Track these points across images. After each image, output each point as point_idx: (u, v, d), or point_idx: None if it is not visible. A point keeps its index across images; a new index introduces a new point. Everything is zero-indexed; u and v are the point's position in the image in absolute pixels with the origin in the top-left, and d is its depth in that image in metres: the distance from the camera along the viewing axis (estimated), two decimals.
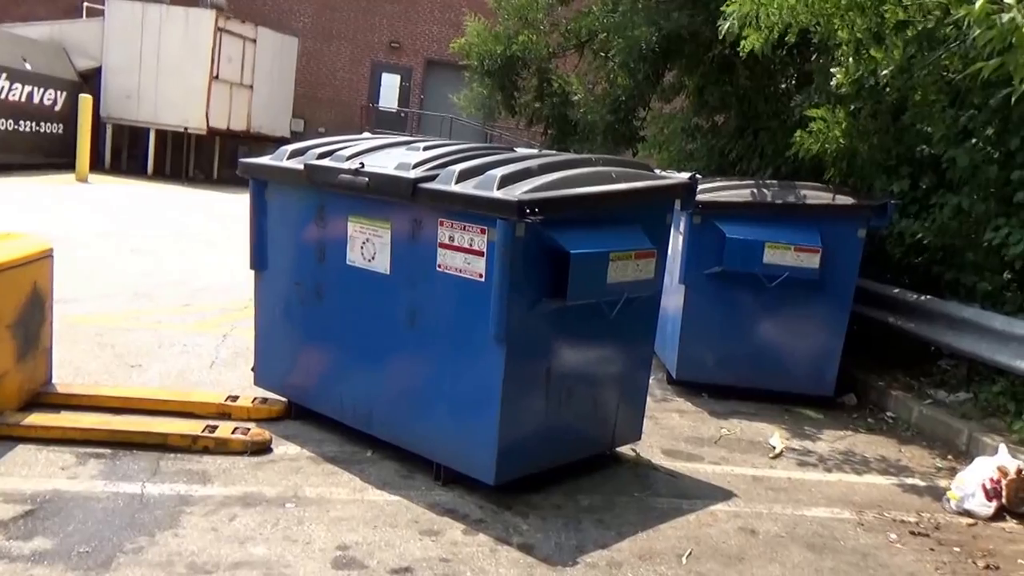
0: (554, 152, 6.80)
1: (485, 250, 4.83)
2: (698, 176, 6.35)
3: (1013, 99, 5.67)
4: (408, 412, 5.41)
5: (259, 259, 6.08)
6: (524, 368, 5.04)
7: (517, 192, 4.78)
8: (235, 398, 6.12)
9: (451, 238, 4.98)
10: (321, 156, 5.72)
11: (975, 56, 6.70)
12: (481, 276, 4.87)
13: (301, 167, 5.67)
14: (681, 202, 6.12)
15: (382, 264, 5.39)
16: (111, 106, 24.09)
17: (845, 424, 7.68)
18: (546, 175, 5.06)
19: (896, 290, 8.71)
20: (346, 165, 5.44)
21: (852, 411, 8.14)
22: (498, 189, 4.81)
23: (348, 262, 5.56)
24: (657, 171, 7.01)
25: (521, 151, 6.06)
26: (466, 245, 4.92)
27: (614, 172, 5.49)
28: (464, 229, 4.92)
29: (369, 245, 5.44)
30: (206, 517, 4.54)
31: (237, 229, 10.26)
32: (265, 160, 6.11)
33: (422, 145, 5.70)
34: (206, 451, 5.38)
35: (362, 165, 5.37)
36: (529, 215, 4.65)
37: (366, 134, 8.34)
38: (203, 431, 5.47)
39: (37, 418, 5.43)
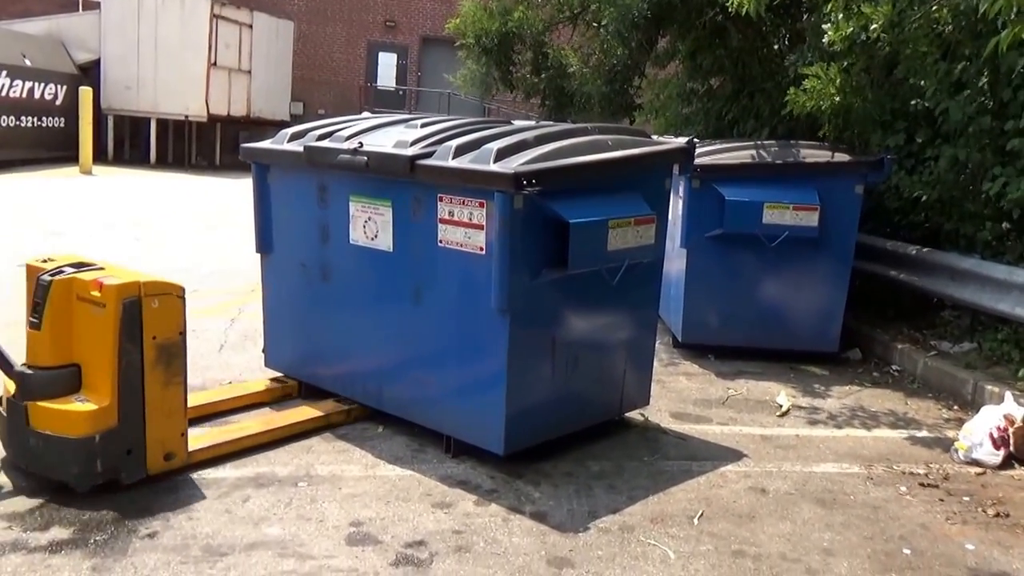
0: (549, 123, 6.74)
1: (485, 223, 4.79)
2: (695, 140, 6.28)
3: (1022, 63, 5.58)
4: (417, 387, 5.39)
5: (264, 242, 6.06)
6: (529, 338, 5.01)
7: (514, 164, 4.73)
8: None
9: (451, 213, 4.95)
10: (320, 137, 5.68)
11: (965, 8, 6.63)
12: (482, 249, 4.83)
13: (301, 149, 5.64)
14: (679, 167, 6.07)
15: (385, 242, 5.36)
16: (111, 97, 23.99)
17: (851, 379, 7.65)
18: (542, 146, 5.01)
19: (896, 244, 8.66)
20: (345, 145, 5.39)
21: (857, 366, 8.11)
22: (495, 162, 4.77)
23: (351, 241, 5.53)
24: (655, 137, 6.94)
25: (518, 123, 6.00)
26: (466, 219, 4.89)
27: (610, 140, 5.43)
28: (463, 204, 4.88)
29: (371, 224, 5.40)
30: (220, 500, 4.52)
31: (241, 214, 10.22)
32: (266, 144, 6.08)
33: (420, 122, 5.65)
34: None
35: (360, 144, 5.32)
36: (526, 187, 4.61)
37: (365, 114, 8.29)
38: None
39: (209, 437, 5.14)
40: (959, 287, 7.76)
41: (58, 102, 22.47)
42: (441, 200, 4.98)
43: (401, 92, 31.85)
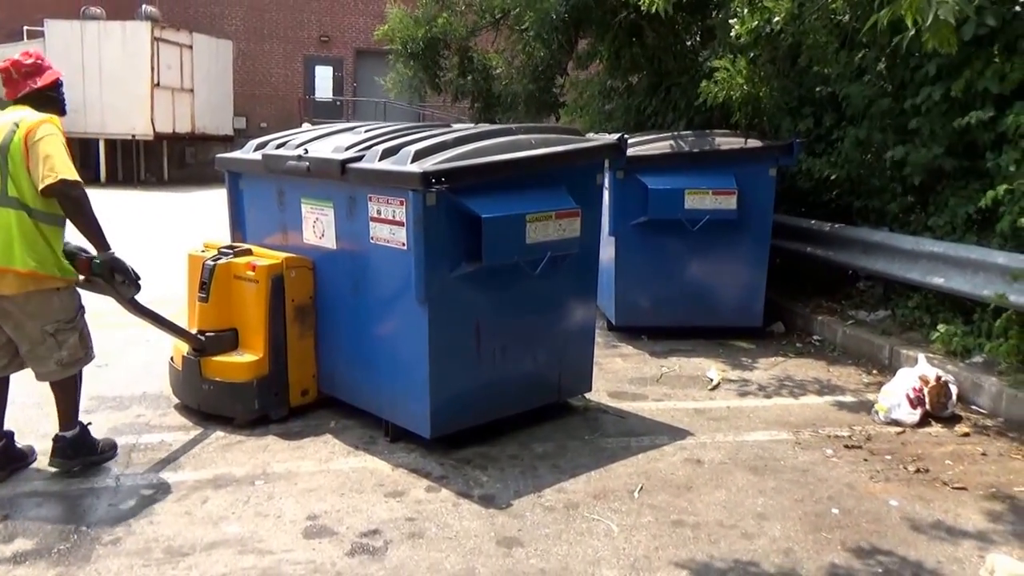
0: (474, 125, 6.68)
1: (405, 220, 4.78)
2: (626, 137, 6.25)
3: (905, 43, 5.60)
4: (360, 373, 5.44)
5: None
6: (450, 328, 4.98)
7: (427, 164, 4.72)
8: None
9: (379, 211, 4.96)
10: (278, 146, 5.78)
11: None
12: (404, 245, 4.84)
13: (260, 157, 5.72)
14: (610, 162, 6.06)
15: (330, 240, 5.41)
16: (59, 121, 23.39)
17: (776, 351, 7.68)
18: (460, 147, 4.99)
19: (811, 222, 8.73)
20: (293, 152, 5.44)
21: (781, 338, 8.15)
22: (411, 163, 4.77)
23: (304, 240, 5.59)
24: (590, 135, 6.88)
25: (456, 127, 5.93)
26: (390, 217, 4.90)
27: (534, 139, 5.36)
28: (387, 202, 4.89)
29: (319, 224, 5.46)
30: (179, 502, 4.40)
31: (191, 226, 9.99)
32: (236, 154, 6.26)
33: (364, 129, 5.72)
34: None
35: (306, 151, 5.36)
36: (435, 184, 4.61)
37: (306, 125, 8.20)
38: None
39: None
40: (871, 259, 7.83)
41: None
42: (371, 200, 4.99)
43: (339, 103, 31.64)
